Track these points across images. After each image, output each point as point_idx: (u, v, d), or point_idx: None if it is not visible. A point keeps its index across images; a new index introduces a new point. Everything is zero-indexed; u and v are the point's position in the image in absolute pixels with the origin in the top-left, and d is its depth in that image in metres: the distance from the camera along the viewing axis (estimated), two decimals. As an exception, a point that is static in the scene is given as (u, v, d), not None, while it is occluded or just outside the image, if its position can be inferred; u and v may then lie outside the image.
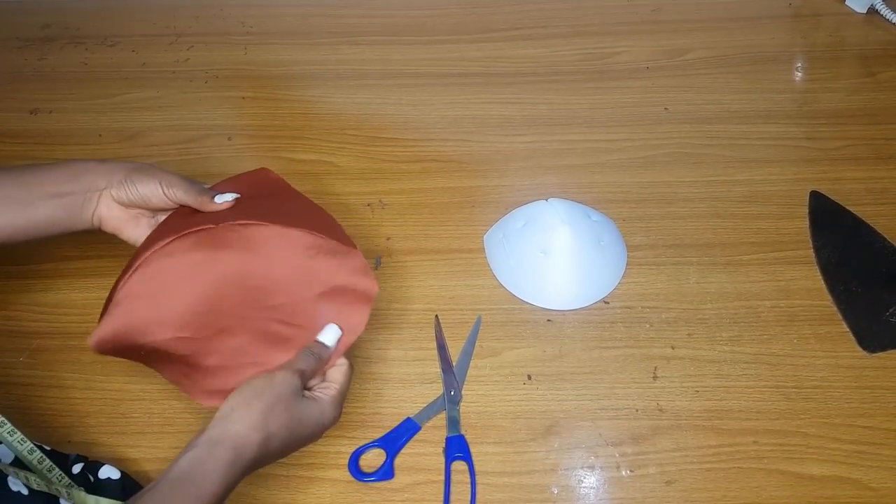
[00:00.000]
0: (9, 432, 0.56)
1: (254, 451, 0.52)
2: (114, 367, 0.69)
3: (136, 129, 0.91)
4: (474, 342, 0.70)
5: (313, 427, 0.56)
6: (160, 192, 0.63)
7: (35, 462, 0.57)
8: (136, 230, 0.65)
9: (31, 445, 0.57)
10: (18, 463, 0.57)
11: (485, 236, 0.78)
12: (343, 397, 0.59)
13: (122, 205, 0.64)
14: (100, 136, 0.91)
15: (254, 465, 0.53)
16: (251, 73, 0.98)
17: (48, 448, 0.60)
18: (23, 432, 0.57)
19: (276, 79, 0.97)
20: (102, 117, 0.93)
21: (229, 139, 0.90)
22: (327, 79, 0.97)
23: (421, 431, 0.65)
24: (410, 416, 0.65)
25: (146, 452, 0.64)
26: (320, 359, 0.59)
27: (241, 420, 0.53)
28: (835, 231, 0.77)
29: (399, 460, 0.63)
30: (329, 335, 0.60)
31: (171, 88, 0.96)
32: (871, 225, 0.77)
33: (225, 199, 0.63)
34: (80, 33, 1.05)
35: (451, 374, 0.67)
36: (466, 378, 0.68)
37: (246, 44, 1.02)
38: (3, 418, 0.56)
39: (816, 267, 0.74)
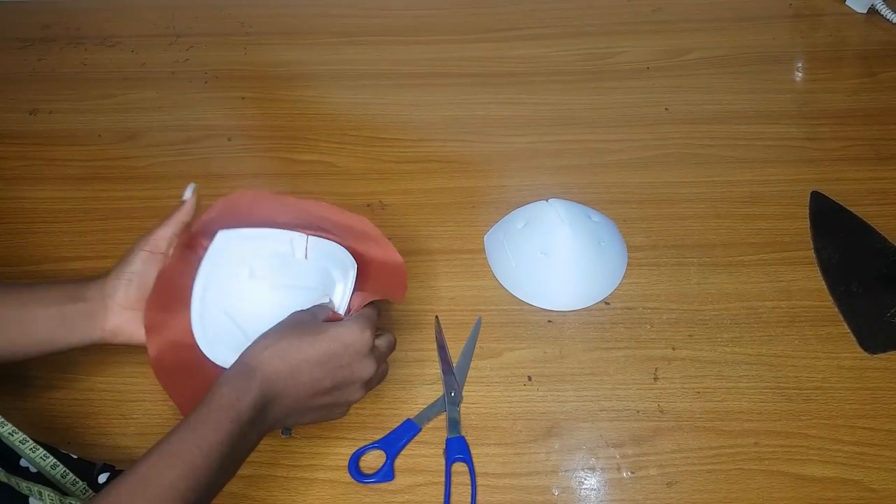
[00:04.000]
0: (31, 449, 0.56)
1: (282, 385, 0.54)
2: (114, 368, 0.69)
3: (136, 129, 0.91)
4: (475, 343, 0.70)
5: (336, 344, 0.56)
6: (146, 251, 0.60)
7: (58, 476, 0.57)
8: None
9: (54, 461, 0.57)
10: (35, 475, 0.57)
11: (485, 237, 0.78)
12: (368, 321, 0.58)
13: (129, 305, 0.60)
14: (99, 136, 0.91)
15: (279, 400, 0.54)
16: (251, 73, 0.98)
17: (75, 456, 0.60)
18: (42, 443, 0.57)
19: (276, 79, 0.97)
20: (102, 117, 0.93)
21: (229, 139, 0.89)
22: (327, 79, 0.96)
23: (421, 433, 0.65)
24: (411, 417, 0.65)
25: (146, 454, 0.64)
26: (323, 305, 0.60)
27: (266, 353, 0.54)
28: (835, 232, 0.77)
29: (399, 462, 0.63)
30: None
31: (171, 89, 0.96)
32: (872, 225, 0.77)
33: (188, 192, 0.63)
34: (80, 34, 1.05)
35: (452, 375, 0.67)
36: (467, 379, 0.68)
37: (246, 44, 1.02)
38: (24, 436, 0.56)
39: (817, 268, 0.74)
